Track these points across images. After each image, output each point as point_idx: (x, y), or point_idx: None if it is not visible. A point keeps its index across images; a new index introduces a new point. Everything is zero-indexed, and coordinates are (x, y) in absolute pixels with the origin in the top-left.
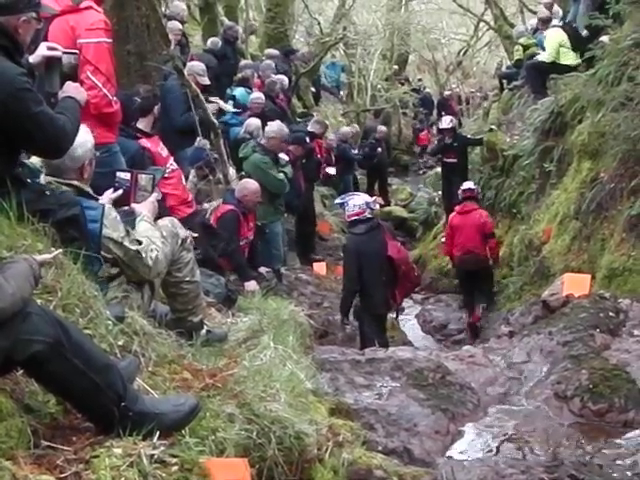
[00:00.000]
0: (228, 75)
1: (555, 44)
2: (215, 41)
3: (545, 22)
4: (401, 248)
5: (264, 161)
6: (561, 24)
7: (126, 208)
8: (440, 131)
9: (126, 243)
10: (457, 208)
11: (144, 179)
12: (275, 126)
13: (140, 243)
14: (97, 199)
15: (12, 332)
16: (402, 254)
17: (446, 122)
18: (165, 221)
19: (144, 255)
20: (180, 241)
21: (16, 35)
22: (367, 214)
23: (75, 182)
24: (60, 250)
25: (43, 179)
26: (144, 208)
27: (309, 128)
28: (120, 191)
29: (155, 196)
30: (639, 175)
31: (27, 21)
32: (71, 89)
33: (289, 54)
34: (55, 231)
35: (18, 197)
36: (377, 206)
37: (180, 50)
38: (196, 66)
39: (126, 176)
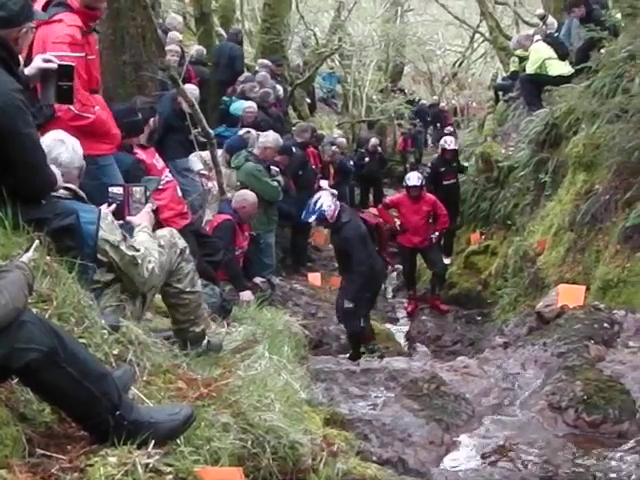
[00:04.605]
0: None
1: (538, 58)
2: (200, 50)
3: (527, 39)
4: (367, 214)
5: (257, 169)
6: (542, 37)
7: (121, 222)
8: (444, 152)
9: (122, 247)
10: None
11: (137, 192)
12: (271, 137)
13: (137, 250)
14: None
15: (7, 341)
16: (373, 218)
17: (452, 143)
18: (164, 231)
19: (140, 262)
20: (179, 251)
21: (15, 46)
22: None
23: (72, 186)
24: (37, 242)
25: None
26: (141, 219)
27: (296, 138)
28: (114, 206)
29: (150, 206)
30: (634, 187)
31: (26, 32)
32: None
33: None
34: (50, 240)
35: (13, 206)
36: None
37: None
38: (189, 91)
39: (119, 190)
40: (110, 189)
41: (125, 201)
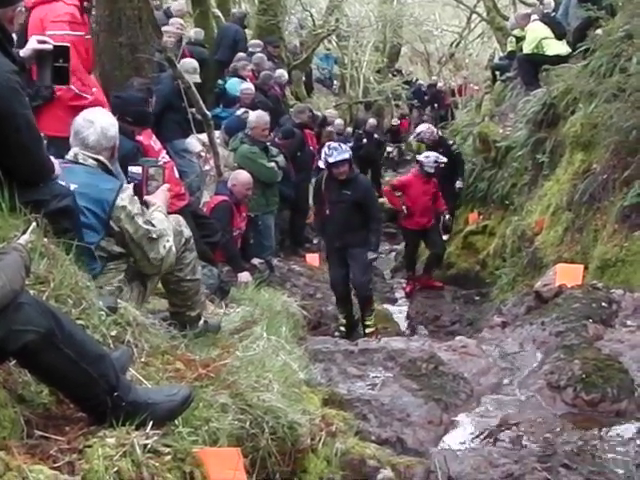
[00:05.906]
0: None
1: (535, 38)
2: (199, 32)
3: (524, 18)
4: None
5: (252, 151)
6: (539, 17)
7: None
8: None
9: (139, 220)
10: (415, 172)
11: (153, 170)
12: (254, 116)
13: (154, 227)
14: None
15: (4, 322)
16: None
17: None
18: (170, 218)
19: (156, 237)
20: (184, 240)
21: (10, 26)
22: None
23: (102, 158)
24: (34, 224)
25: (71, 152)
26: (157, 198)
27: (294, 119)
28: (131, 185)
29: (167, 186)
30: (631, 166)
31: (20, 10)
32: None
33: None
34: (48, 222)
35: (10, 188)
36: None
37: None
38: (187, 64)
39: (138, 170)
40: (130, 168)
41: (143, 180)
